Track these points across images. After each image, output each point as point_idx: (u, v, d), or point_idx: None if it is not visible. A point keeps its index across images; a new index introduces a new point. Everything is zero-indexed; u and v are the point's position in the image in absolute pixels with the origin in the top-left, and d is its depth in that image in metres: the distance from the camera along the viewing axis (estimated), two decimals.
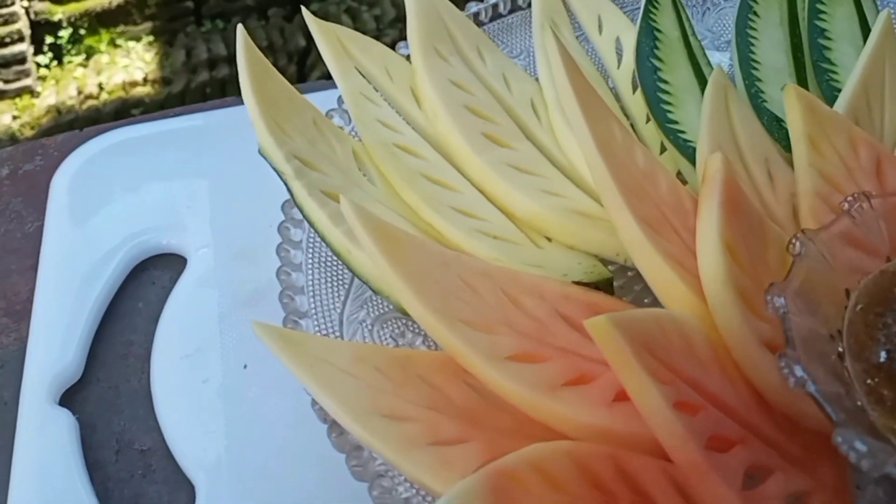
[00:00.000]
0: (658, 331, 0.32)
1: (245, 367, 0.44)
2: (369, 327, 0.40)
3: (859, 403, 0.30)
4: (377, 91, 0.49)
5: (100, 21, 2.43)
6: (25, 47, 2.26)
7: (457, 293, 0.36)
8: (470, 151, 0.46)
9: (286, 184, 0.42)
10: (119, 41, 2.44)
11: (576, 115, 0.38)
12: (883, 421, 0.30)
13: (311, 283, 0.41)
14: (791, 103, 0.40)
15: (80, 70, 2.35)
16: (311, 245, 0.42)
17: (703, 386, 0.32)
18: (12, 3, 2.24)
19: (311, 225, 0.42)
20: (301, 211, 0.42)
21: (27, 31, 2.27)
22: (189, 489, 0.41)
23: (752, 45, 0.50)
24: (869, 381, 0.31)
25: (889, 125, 0.44)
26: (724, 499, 0.29)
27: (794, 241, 0.34)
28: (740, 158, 0.43)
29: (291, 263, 0.40)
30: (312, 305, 0.40)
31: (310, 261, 0.42)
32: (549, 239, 0.44)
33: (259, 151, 0.43)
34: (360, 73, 0.50)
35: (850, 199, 0.35)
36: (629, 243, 0.37)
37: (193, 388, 0.44)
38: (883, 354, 0.31)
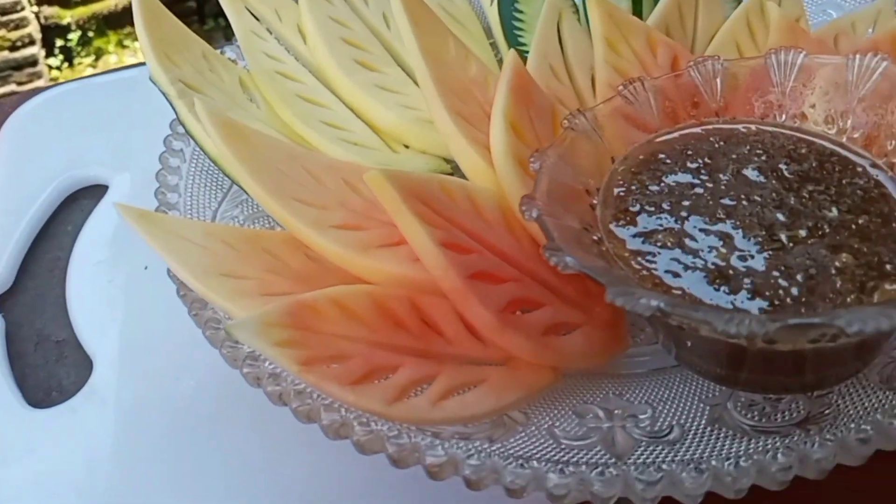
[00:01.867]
0: (439, 190, 0.38)
1: (146, 268, 0.50)
2: (241, 222, 0.47)
3: (595, 238, 0.35)
4: (268, 31, 0.56)
5: (107, 23, 2.53)
6: (37, 50, 2.36)
7: (297, 178, 0.42)
8: (342, 74, 0.52)
9: (171, 104, 0.49)
10: (126, 42, 2.54)
11: (404, 27, 0.44)
12: (616, 251, 0.35)
13: (189, 186, 0.47)
14: (592, 10, 0.46)
15: (90, 70, 2.45)
16: (194, 157, 0.49)
17: (483, 238, 0.38)
18: (23, 9, 2.34)
19: (192, 138, 0.48)
20: (183, 126, 0.48)
21: (38, 35, 2.38)
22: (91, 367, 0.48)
23: None
24: (612, 223, 0.36)
25: (702, 32, 0.50)
26: (483, 319, 0.35)
27: (567, 117, 0.39)
28: (566, 66, 0.49)
29: (169, 167, 0.47)
30: (188, 203, 0.46)
31: (192, 169, 0.48)
32: (406, 147, 0.50)
33: (150, 78, 0.50)
34: (251, 14, 0.56)
35: (626, 82, 0.41)
36: (444, 134, 0.43)
37: (101, 287, 0.50)
38: (633, 203, 0.37)
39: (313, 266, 0.42)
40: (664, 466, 0.32)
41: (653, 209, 0.36)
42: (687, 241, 0.34)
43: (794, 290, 0.31)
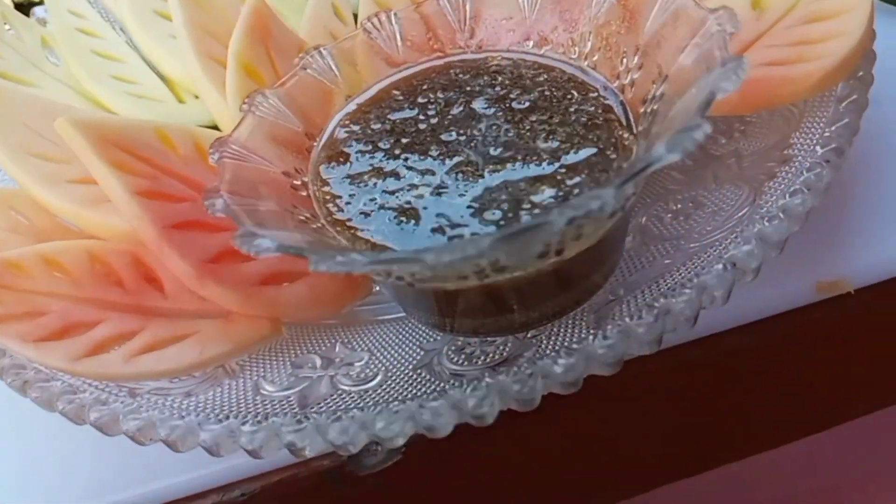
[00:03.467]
0: (154, 137, 0.36)
1: None
2: None
3: (300, 182, 0.33)
4: None
5: None
6: None
7: (46, 134, 0.40)
8: (138, 27, 0.50)
9: None
10: None
11: None
12: (319, 194, 0.33)
13: None
14: None
15: None
16: None
17: (204, 186, 0.36)
18: None
19: None
20: None
21: None
22: None
23: None
24: (323, 165, 0.34)
25: None
26: (181, 270, 0.33)
27: (301, 55, 0.37)
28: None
29: None
30: None
31: None
32: (196, 97, 0.48)
33: None
34: None
35: (372, 15, 0.38)
36: (191, 77, 0.41)
37: None
38: (351, 143, 0.34)
39: (59, 224, 0.40)
40: (354, 413, 0.30)
41: (369, 149, 0.34)
42: (390, 180, 0.32)
43: (487, 227, 0.29)
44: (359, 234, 0.30)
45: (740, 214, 0.33)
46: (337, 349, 0.35)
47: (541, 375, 0.28)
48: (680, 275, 0.31)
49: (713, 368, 0.37)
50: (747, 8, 0.38)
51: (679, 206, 0.36)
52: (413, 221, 0.30)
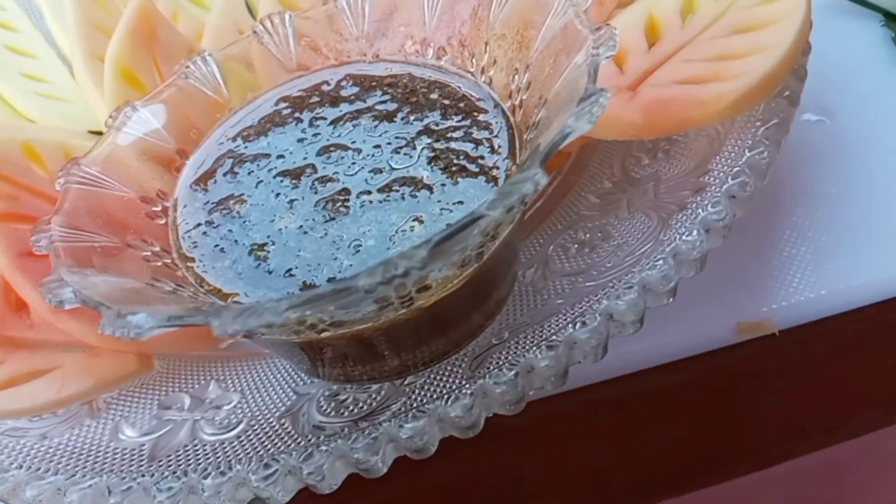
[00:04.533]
0: (19, 153, 0.33)
1: None
2: None
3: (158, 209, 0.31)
4: None
5: None
6: None
7: None
8: (52, 18, 0.47)
9: None
10: None
11: None
12: (181, 225, 0.30)
13: None
14: None
15: None
16: None
17: None
18: None
19: None
20: None
21: None
22: None
23: None
24: (193, 186, 0.31)
25: None
26: (33, 300, 0.31)
27: (181, 63, 0.34)
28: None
29: None
30: None
31: None
32: None
33: None
34: None
35: (265, 17, 0.35)
36: (77, 79, 0.38)
37: None
38: (223, 163, 0.32)
39: None
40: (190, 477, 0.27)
41: (239, 171, 0.31)
42: (254, 211, 0.29)
43: (345, 271, 0.26)
44: (206, 277, 0.28)
45: (642, 251, 0.30)
46: (210, 388, 0.32)
47: (387, 439, 0.25)
48: (565, 319, 0.28)
49: (625, 408, 0.35)
50: (675, 14, 0.34)
51: (587, 235, 0.33)
52: (268, 262, 0.28)
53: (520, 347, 0.27)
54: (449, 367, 0.29)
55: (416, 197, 0.28)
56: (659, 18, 0.34)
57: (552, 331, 0.27)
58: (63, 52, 0.48)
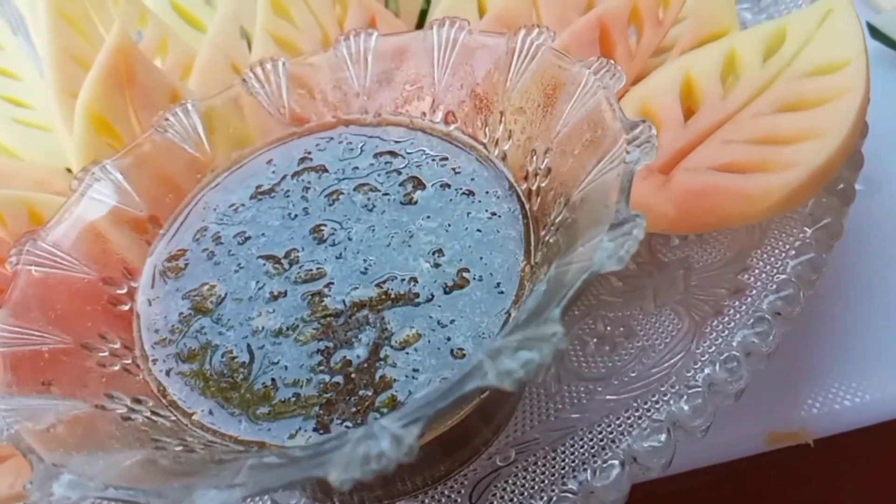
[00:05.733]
0: None
1: None
2: None
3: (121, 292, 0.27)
4: None
5: None
6: None
7: None
8: (37, 35, 0.44)
9: None
10: None
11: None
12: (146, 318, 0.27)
13: None
14: None
15: None
16: None
17: None
18: None
19: None
20: None
21: None
22: None
23: None
24: (165, 263, 0.28)
25: None
26: None
27: (161, 114, 0.30)
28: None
29: None
30: None
31: None
32: None
33: None
34: None
35: (256, 63, 0.32)
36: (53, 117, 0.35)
37: None
38: (199, 237, 0.28)
39: None
40: None
41: (217, 250, 0.27)
42: (229, 304, 0.26)
43: (326, 393, 0.23)
44: (167, 387, 0.24)
45: (671, 363, 0.26)
46: None
47: None
48: (581, 444, 0.25)
49: None
50: (715, 78, 0.31)
51: (608, 328, 0.29)
52: (243, 372, 0.24)
53: (527, 480, 0.24)
54: (447, 494, 0.26)
55: (413, 302, 0.24)
56: (697, 82, 0.31)
57: (565, 461, 0.24)
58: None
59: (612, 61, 0.24)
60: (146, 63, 0.33)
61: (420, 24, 0.40)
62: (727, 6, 0.34)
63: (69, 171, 0.38)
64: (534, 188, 0.26)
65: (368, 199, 0.28)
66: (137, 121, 0.32)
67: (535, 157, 0.26)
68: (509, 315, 0.23)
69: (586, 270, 0.18)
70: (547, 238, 0.24)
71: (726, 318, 0.26)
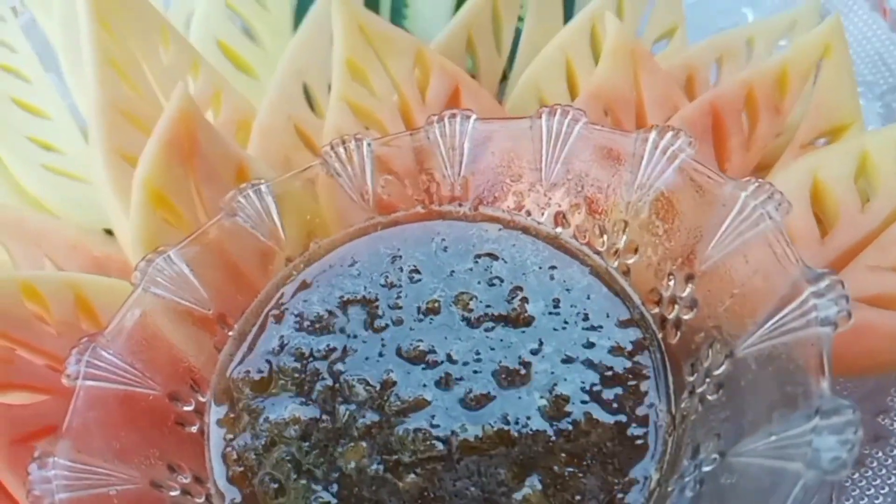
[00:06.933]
0: (14, 300, 0.26)
1: None
2: None
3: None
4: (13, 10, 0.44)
5: None
6: None
7: None
8: (69, 69, 0.40)
9: None
10: None
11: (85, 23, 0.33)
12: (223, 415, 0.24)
13: None
14: (334, 17, 0.33)
15: None
16: None
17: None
18: None
19: None
20: None
21: None
22: None
23: None
24: (236, 376, 0.24)
25: (526, 44, 0.36)
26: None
27: (226, 198, 0.27)
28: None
29: None
30: None
31: None
32: None
33: None
34: None
35: (335, 142, 0.28)
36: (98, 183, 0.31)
37: None
38: (275, 339, 0.25)
39: None
40: None
41: (297, 370, 0.24)
42: (314, 432, 0.23)
43: None
44: None
45: None
46: None
47: None
48: None
49: None
50: (849, 185, 0.28)
51: None
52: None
53: None
54: None
55: (531, 450, 0.21)
56: (828, 188, 0.28)
57: None
58: (79, 107, 0.41)
59: (772, 185, 0.21)
60: (211, 132, 0.30)
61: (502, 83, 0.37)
62: (850, 96, 0.31)
63: (108, 232, 0.35)
64: (670, 317, 0.23)
65: (469, 312, 0.24)
66: (198, 195, 0.28)
67: (671, 282, 0.23)
68: (655, 483, 0.20)
69: (799, 478, 0.15)
70: (699, 390, 0.21)
71: (869, 472, 0.23)
